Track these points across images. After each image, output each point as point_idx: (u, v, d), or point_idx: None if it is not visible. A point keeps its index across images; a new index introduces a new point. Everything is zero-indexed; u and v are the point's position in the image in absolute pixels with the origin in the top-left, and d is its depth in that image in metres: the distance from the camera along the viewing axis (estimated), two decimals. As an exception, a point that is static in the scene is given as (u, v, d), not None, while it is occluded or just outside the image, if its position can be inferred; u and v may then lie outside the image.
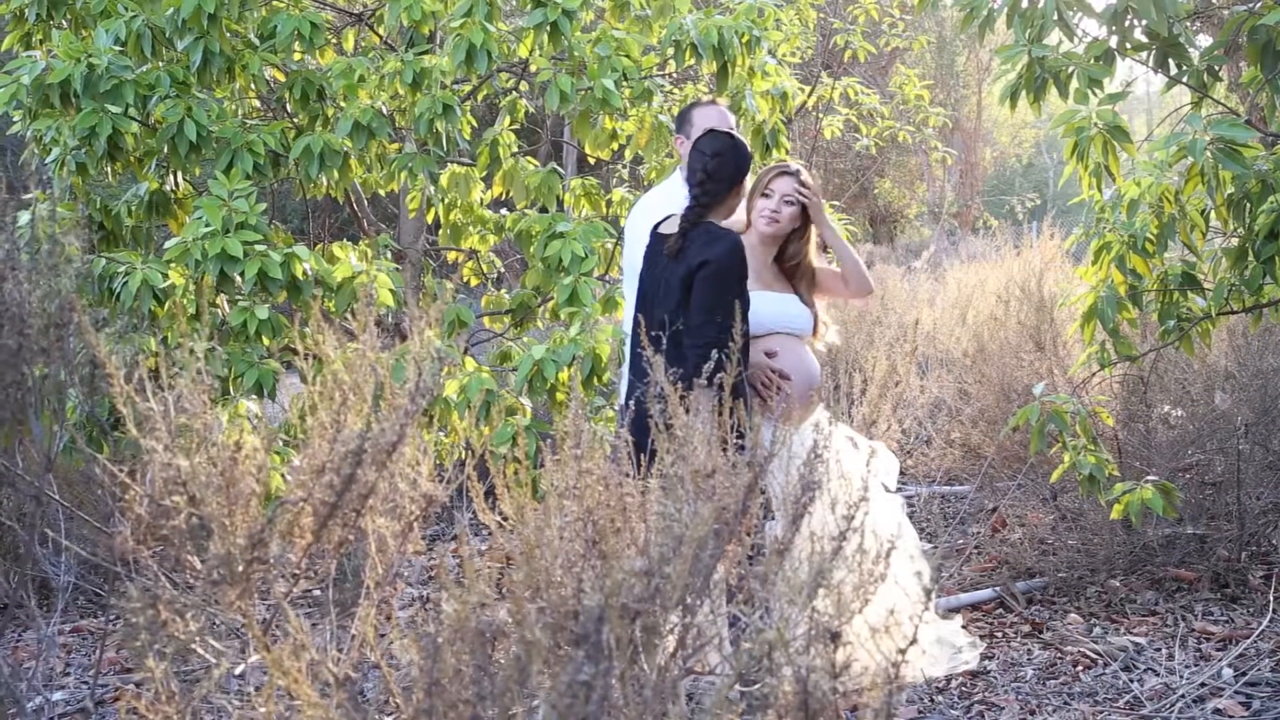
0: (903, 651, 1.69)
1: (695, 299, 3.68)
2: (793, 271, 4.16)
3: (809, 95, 8.10)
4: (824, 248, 4.26)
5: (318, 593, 2.21)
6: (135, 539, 1.87)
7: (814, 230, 4.19)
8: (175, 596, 1.76)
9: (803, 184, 4.10)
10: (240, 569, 1.80)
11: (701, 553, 1.97)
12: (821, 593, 1.82)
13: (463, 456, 4.97)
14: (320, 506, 1.89)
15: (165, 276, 5.08)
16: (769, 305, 3.99)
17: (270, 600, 1.95)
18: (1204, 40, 5.83)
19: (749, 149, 4.00)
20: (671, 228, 3.95)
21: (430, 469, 2.06)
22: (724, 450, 2.28)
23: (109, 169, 5.47)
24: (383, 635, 1.96)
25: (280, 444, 4.86)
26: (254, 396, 5.15)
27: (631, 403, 3.00)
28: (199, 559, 1.85)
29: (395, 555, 1.98)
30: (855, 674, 1.77)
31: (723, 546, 2.09)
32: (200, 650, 1.81)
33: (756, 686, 1.62)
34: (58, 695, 4.10)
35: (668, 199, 4.34)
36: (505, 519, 2.18)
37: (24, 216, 4.64)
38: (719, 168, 3.84)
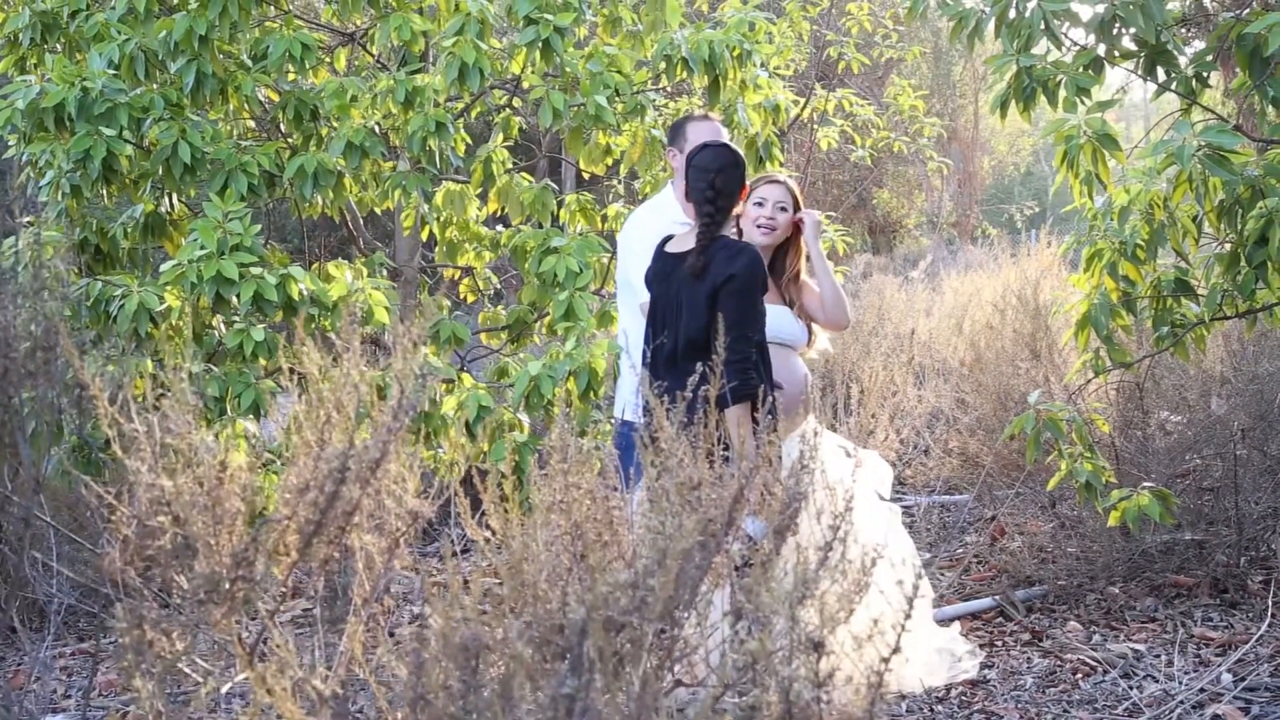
0: (885, 660, 1.69)
1: (725, 315, 3.68)
2: (784, 283, 4.16)
3: (803, 107, 8.12)
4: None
5: (317, 611, 2.22)
6: (124, 560, 1.87)
7: (804, 242, 4.20)
8: (162, 616, 1.77)
9: (795, 198, 4.11)
10: (226, 588, 1.81)
11: (687, 565, 1.97)
12: (807, 603, 1.83)
13: (459, 473, 4.99)
14: (305, 524, 1.90)
15: (161, 299, 5.09)
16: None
17: (261, 619, 1.96)
18: (1199, 46, 5.84)
19: (742, 154, 4.01)
20: (679, 246, 3.94)
21: (416, 485, 2.07)
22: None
23: (104, 191, 5.49)
24: (372, 651, 1.97)
25: (277, 463, 4.87)
26: (251, 416, 5.16)
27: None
28: (186, 578, 1.86)
29: (382, 571, 1.99)
30: (840, 684, 1.78)
31: (710, 559, 2.10)
32: (188, 670, 1.81)
33: (741, 698, 1.62)
34: (59, 718, 4.11)
35: (660, 213, 4.35)
36: (494, 534, 2.19)
37: (14, 241, 4.65)
38: (726, 183, 3.85)
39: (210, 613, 1.81)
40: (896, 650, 1.71)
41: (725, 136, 4.30)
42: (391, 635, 2.03)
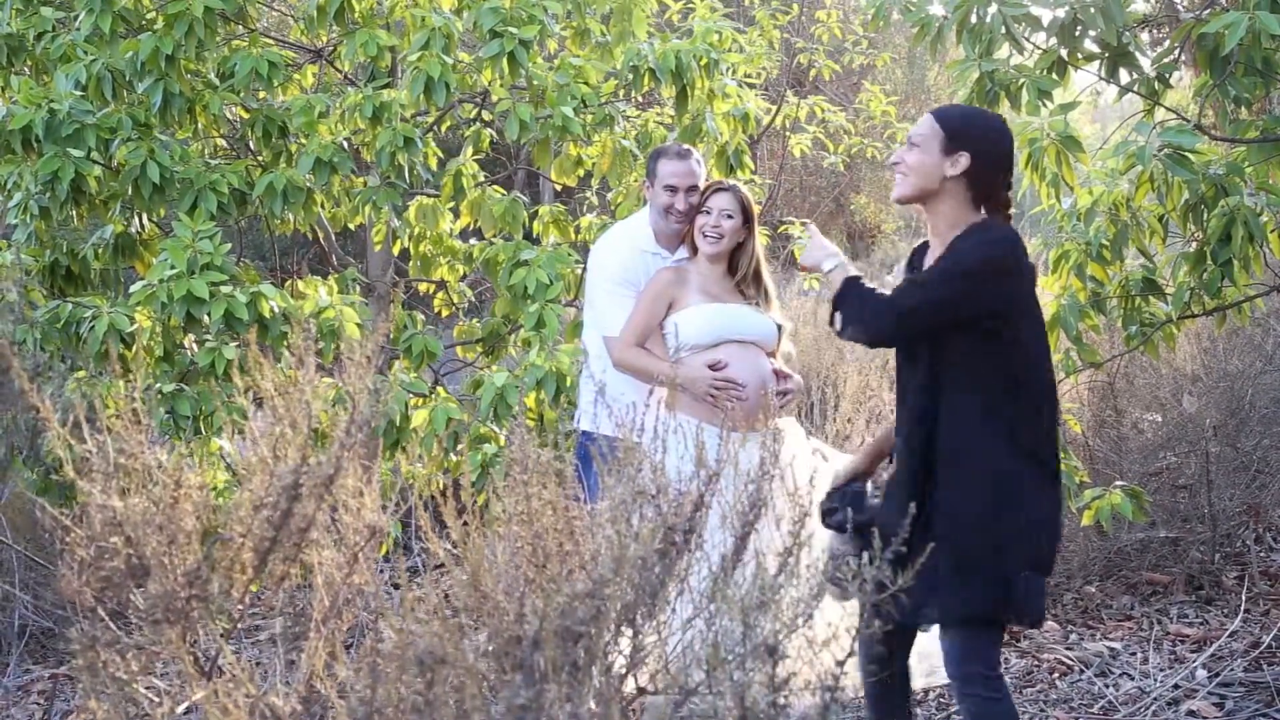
0: (840, 664, 1.70)
1: None
2: (745, 284, 4.17)
3: (775, 115, 8.14)
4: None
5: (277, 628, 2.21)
6: (80, 582, 1.87)
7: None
8: (116, 637, 1.77)
9: (744, 205, 4.12)
10: (180, 607, 1.81)
11: (647, 573, 1.98)
12: (763, 609, 1.84)
13: (437, 486, 4.99)
14: (260, 542, 1.90)
15: (132, 319, 5.09)
16: (718, 316, 4.00)
17: (215, 637, 1.96)
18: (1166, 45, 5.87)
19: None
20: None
21: (374, 500, 2.07)
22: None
23: (73, 213, 5.48)
24: (330, 667, 1.97)
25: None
26: (226, 435, 5.16)
27: None
28: (140, 599, 1.86)
29: (341, 587, 1.99)
30: (797, 689, 1.78)
31: (670, 567, 2.10)
32: (144, 690, 1.81)
33: (695, 702, 1.63)
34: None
35: (632, 235, 4.36)
36: (454, 546, 2.19)
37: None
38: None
39: (165, 632, 1.82)
40: (851, 654, 1.72)
41: (701, 174, 4.27)
42: (348, 649, 2.03)
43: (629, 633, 1.97)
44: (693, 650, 1.95)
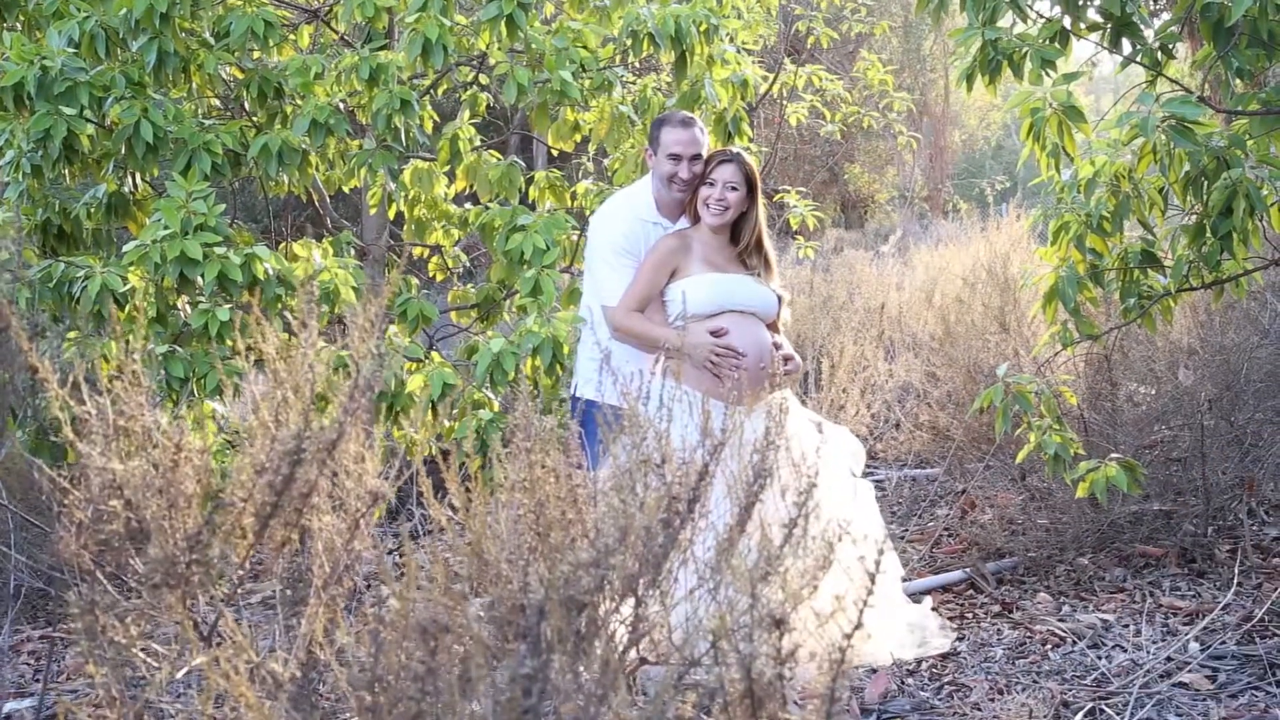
0: (848, 637, 1.69)
1: None
2: (747, 253, 4.15)
3: (772, 83, 8.09)
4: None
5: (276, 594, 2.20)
6: (78, 544, 1.85)
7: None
8: (115, 601, 1.75)
9: (748, 175, 4.09)
10: (180, 571, 1.79)
11: (651, 542, 1.96)
12: (771, 580, 1.83)
13: (428, 451, 4.97)
14: (261, 507, 1.88)
15: (125, 280, 5.04)
16: (721, 286, 3.99)
17: (216, 602, 1.94)
18: (1167, 17, 5.85)
19: None
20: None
21: (375, 465, 2.05)
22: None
23: (66, 171, 5.42)
24: (335, 634, 1.96)
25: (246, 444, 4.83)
26: (219, 397, 5.13)
27: None
28: (140, 562, 1.84)
29: (342, 553, 1.97)
30: (803, 660, 1.77)
31: (674, 536, 2.09)
32: (144, 655, 1.79)
33: (701, 673, 1.62)
34: (27, 703, 4.08)
35: (633, 205, 4.34)
36: (456, 513, 2.18)
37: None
38: None
39: (165, 597, 1.80)
40: (858, 626, 1.70)
41: (704, 142, 4.24)
42: (349, 612, 2.02)
43: (632, 603, 1.96)
44: (696, 620, 1.95)
